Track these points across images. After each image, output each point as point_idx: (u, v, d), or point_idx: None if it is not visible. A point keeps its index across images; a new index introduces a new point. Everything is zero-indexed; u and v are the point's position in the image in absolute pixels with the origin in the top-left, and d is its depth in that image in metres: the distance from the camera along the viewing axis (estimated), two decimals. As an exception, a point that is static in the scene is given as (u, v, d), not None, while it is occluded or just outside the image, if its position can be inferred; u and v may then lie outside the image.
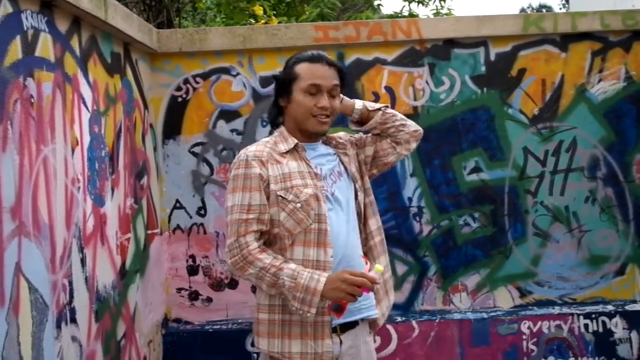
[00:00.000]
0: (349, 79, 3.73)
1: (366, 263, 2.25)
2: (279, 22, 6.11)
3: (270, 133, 2.44)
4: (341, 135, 2.52)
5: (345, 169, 2.40)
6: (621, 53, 3.82)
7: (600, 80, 3.82)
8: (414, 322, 3.77)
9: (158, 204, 3.78)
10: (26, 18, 2.21)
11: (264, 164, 2.24)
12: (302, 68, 2.28)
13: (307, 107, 2.26)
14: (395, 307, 3.83)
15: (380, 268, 2.16)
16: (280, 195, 2.21)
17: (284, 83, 2.32)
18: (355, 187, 2.39)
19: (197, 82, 3.80)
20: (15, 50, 2.12)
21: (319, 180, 2.27)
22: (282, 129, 2.36)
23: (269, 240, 2.28)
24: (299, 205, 2.21)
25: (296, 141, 2.30)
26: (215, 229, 3.81)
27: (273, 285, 2.17)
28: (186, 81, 3.80)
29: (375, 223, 2.46)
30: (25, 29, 2.20)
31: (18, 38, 2.15)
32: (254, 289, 3.75)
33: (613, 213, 3.84)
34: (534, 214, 3.84)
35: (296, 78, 2.28)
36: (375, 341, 2.42)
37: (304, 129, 2.31)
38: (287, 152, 2.29)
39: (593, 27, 3.77)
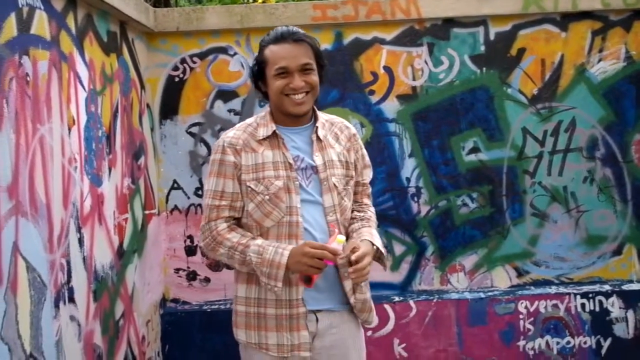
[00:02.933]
0: (347, 59, 3.73)
1: (332, 232, 2.21)
2: (277, 2, 6.06)
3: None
4: (341, 127, 2.42)
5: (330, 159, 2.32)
6: (621, 32, 3.79)
7: (600, 60, 3.80)
8: (411, 302, 3.78)
9: (155, 185, 3.76)
10: (21, -5, 2.19)
11: (238, 153, 2.25)
12: (269, 51, 2.24)
13: (279, 89, 2.21)
14: (393, 287, 3.85)
15: (341, 239, 2.13)
16: (250, 187, 2.23)
17: (259, 68, 2.28)
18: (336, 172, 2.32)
19: (194, 62, 3.77)
20: (10, 28, 2.09)
21: (292, 170, 2.24)
22: (268, 110, 2.34)
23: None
24: (267, 197, 2.22)
25: (274, 128, 2.26)
26: (213, 210, 3.80)
27: (243, 263, 2.22)
28: (183, 61, 3.77)
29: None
30: (20, 6, 2.17)
31: (13, 15, 2.12)
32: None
33: (611, 193, 3.84)
34: (532, 194, 3.84)
35: (266, 63, 2.24)
36: (370, 323, 2.44)
37: (282, 111, 2.26)
38: (265, 138, 2.26)
39: (593, 6, 3.73)
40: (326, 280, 2.26)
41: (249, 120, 2.35)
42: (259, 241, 2.21)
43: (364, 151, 2.49)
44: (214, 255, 2.30)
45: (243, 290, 2.30)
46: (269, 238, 2.24)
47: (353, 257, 2.11)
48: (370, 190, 2.55)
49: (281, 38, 2.24)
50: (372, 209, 2.51)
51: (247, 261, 2.20)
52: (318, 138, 2.31)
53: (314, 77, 2.25)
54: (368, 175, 2.51)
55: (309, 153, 2.30)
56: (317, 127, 2.32)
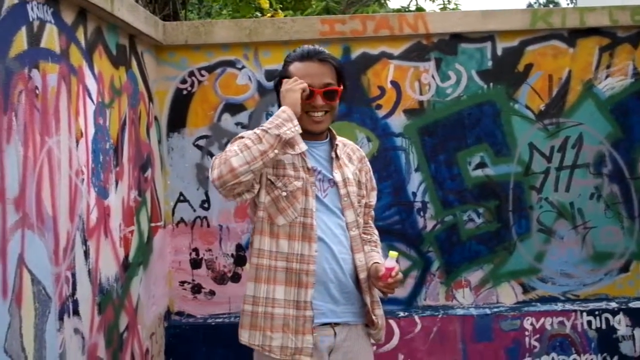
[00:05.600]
0: (354, 74, 3.73)
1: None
2: (286, 16, 6.09)
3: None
4: (353, 149, 2.50)
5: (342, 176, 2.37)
6: (629, 49, 3.79)
7: (607, 76, 3.79)
8: (416, 317, 3.76)
9: (162, 197, 3.77)
10: (32, 9, 2.21)
11: None
12: (294, 67, 2.29)
13: (301, 107, 2.22)
14: (398, 302, 3.83)
15: (394, 254, 2.20)
16: (270, 180, 2.25)
17: (282, 82, 2.30)
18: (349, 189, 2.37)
19: (203, 75, 3.79)
20: (20, 41, 2.11)
21: (311, 175, 2.28)
22: None
23: (255, 226, 2.31)
24: (284, 194, 2.24)
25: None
26: (219, 223, 3.80)
27: (257, 141, 2.11)
28: (191, 74, 3.79)
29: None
30: (30, 19, 2.19)
31: (23, 29, 2.14)
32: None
33: (618, 210, 3.82)
34: (538, 210, 3.82)
35: (290, 78, 2.26)
36: (381, 340, 2.49)
37: (301, 126, 2.24)
38: None
39: (601, 22, 3.74)
40: (344, 293, 2.31)
41: None
42: None
43: (372, 174, 2.55)
44: (229, 167, 2.09)
45: (251, 288, 2.28)
46: (280, 238, 2.24)
47: (394, 272, 2.18)
48: (373, 213, 2.60)
49: (307, 56, 2.28)
50: (376, 232, 2.58)
51: (258, 135, 2.11)
52: (337, 156, 2.37)
53: (333, 102, 2.30)
54: (374, 197, 2.57)
55: (327, 168, 2.35)
56: (337, 145, 2.38)
